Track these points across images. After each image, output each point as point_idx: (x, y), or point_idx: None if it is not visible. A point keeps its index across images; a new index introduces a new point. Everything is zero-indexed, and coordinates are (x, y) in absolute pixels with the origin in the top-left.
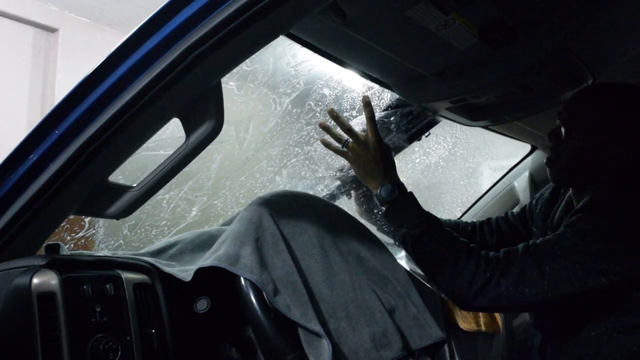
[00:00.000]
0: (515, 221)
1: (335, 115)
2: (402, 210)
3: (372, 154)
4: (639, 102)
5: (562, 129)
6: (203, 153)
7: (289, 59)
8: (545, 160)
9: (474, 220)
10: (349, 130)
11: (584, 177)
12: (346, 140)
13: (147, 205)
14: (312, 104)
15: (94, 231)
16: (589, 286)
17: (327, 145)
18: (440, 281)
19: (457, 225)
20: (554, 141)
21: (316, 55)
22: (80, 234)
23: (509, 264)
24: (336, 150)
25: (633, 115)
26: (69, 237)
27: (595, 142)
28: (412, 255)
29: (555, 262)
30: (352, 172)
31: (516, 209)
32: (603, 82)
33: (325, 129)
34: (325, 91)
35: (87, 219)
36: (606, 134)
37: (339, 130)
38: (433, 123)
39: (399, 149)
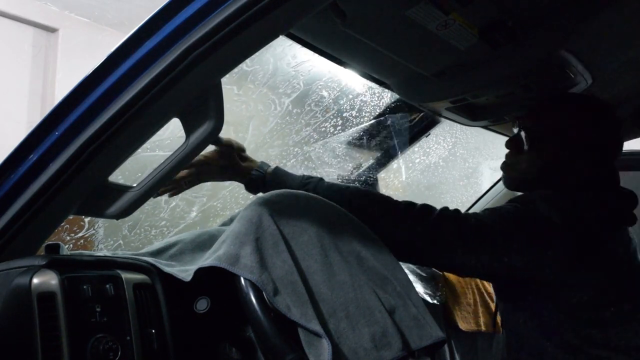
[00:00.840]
0: None
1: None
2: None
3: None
4: (598, 112)
5: (523, 136)
6: None
7: (289, 60)
8: (501, 164)
9: None
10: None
11: (539, 184)
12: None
13: (146, 206)
14: (313, 104)
15: (93, 231)
16: (483, 261)
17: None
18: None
19: None
20: (514, 148)
21: (316, 55)
22: (80, 234)
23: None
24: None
25: (593, 125)
26: (68, 237)
27: (558, 150)
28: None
29: (465, 229)
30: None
31: None
32: (564, 93)
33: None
34: (325, 92)
35: (87, 219)
36: (569, 143)
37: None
38: (433, 123)
39: (392, 155)
